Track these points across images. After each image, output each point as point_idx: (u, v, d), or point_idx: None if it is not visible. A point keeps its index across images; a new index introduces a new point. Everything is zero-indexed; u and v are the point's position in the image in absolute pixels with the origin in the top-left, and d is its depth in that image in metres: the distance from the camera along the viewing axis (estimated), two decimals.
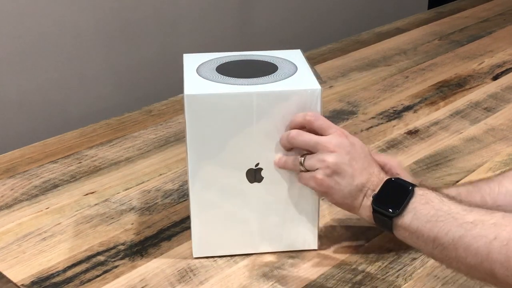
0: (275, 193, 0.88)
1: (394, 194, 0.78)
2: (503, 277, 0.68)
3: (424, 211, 0.75)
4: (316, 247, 0.92)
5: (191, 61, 0.92)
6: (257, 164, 0.86)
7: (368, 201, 0.80)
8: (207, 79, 0.86)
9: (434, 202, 0.75)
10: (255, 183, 0.87)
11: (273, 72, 0.88)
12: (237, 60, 0.92)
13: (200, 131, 0.84)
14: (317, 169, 0.82)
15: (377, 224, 0.81)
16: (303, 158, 0.83)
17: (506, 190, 0.89)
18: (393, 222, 0.77)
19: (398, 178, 0.81)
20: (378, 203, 0.79)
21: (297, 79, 0.87)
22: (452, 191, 0.88)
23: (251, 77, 0.86)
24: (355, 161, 0.81)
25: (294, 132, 0.84)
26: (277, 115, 0.84)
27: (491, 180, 0.91)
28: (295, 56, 0.94)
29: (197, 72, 0.88)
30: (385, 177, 0.81)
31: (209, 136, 0.84)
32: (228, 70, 0.88)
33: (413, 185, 0.78)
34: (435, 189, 0.79)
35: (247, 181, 0.87)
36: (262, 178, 0.87)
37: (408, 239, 0.77)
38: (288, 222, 0.91)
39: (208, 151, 0.85)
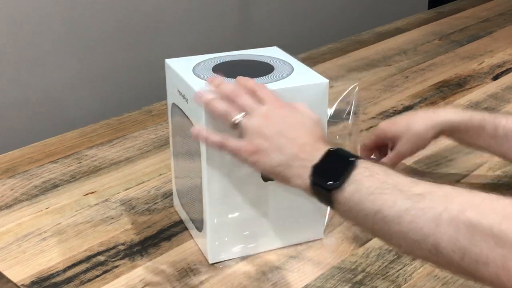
0: (288, 189, 0.88)
1: (335, 166, 0.72)
2: (448, 251, 0.62)
3: (368, 183, 0.69)
4: (322, 236, 0.94)
5: (180, 65, 0.90)
6: None
7: (305, 172, 0.73)
8: None
9: (380, 175, 0.69)
10: (269, 181, 0.87)
11: (272, 71, 0.88)
12: (228, 61, 0.92)
13: (218, 131, 0.81)
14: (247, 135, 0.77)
15: (316, 197, 0.74)
16: (240, 118, 0.77)
17: None
18: (332, 196, 0.71)
19: (341, 149, 0.74)
20: (316, 175, 0.72)
21: (300, 75, 0.88)
22: (475, 115, 0.96)
23: (254, 77, 0.86)
24: (288, 131, 0.76)
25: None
26: None
27: (509, 115, 0.96)
28: (279, 53, 0.95)
29: (198, 76, 0.87)
30: (324, 148, 0.74)
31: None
32: (226, 72, 0.88)
33: (357, 157, 0.72)
34: (380, 163, 0.75)
35: (261, 180, 0.87)
36: None
37: (349, 213, 0.71)
38: (298, 216, 0.91)
39: (225, 154, 0.83)
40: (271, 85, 0.84)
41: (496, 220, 0.60)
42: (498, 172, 1.12)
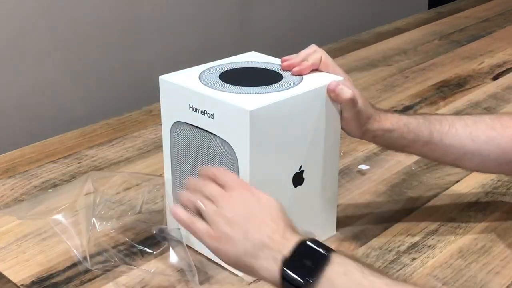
0: (312, 192, 0.89)
1: (307, 260, 0.67)
2: None
3: (341, 282, 0.65)
4: (335, 232, 0.95)
5: (184, 80, 0.86)
6: (301, 167, 0.86)
7: (275, 265, 0.68)
8: (237, 93, 0.81)
9: (354, 274, 0.66)
10: (298, 186, 0.87)
11: (281, 76, 0.87)
12: (235, 69, 0.90)
13: (260, 143, 0.80)
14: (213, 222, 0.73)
15: None
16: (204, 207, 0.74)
17: (456, 131, 0.90)
18: None
19: (311, 239, 0.69)
20: (287, 269, 0.67)
21: (313, 78, 0.87)
22: (403, 119, 0.89)
23: (265, 85, 0.84)
24: (254, 217, 0.71)
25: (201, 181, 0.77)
26: (317, 112, 0.85)
27: (444, 119, 0.92)
28: (267, 59, 0.94)
29: (212, 88, 0.83)
30: (295, 238, 0.69)
31: (268, 147, 0.81)
32: (238, 80, 0.86)
33: (330, 251, 0.68)
34: (354, 257, 0.70)
35: (292, 185, 0.86)
36: (303, 179, 0.87)
37: None
38: (316, 217, 0.92)
39: (266, 162, 0.82)
40: (299, 88, 0.83)
41: None
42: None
